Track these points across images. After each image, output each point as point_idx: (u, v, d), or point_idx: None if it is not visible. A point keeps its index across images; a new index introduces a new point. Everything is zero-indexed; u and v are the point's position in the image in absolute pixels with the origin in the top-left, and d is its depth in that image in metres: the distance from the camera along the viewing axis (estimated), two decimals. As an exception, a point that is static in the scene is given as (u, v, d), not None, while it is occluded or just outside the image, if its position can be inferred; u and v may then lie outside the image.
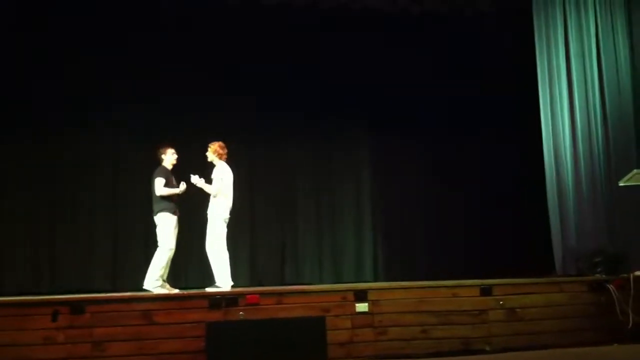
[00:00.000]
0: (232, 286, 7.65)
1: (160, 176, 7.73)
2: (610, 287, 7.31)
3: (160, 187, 7.67)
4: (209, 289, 7.41)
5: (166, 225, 7.63)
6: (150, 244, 9.20)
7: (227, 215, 7.85)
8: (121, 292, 7.94)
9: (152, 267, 7.57)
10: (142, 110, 9.61)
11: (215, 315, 6.52)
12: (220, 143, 7.98)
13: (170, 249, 7.64)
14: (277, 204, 10.26)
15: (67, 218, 9.48)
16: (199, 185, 7.78)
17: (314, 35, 10.14)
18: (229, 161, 8.06)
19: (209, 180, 7.85)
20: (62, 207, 9.48)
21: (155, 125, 9.60)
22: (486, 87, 10.35)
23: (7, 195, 9.28)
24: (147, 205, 9.33)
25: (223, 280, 7.61)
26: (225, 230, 7.79)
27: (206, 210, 7.87)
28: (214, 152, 7.92)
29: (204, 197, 7.94)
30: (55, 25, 9.42)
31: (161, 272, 7.58)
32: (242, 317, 6.55)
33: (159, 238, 7.66)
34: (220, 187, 7.77)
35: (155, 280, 7.50)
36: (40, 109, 9.38)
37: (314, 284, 9.30)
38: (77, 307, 6.32)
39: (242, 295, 6.73)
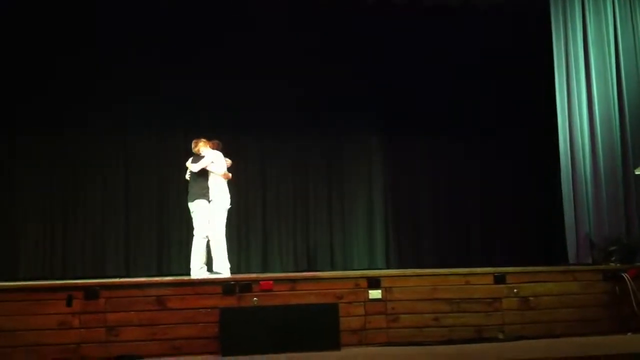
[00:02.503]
0: (242, 272, 7.70)
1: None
2: (625, 276, 7.25)
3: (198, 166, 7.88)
4: (209, 276, 7.49)
5: (202, 212, 7.80)
6: (163, 231, 9.28)
7: (229, 205, 7.91)
8: (134, 278, 7.97)
9: (192, 256, 7.81)
10: (156, 102, 9.65)
11: (229, 301, 6.53)
12: (205, 139, 8.11)
13: (204, 237, 7.79)
14: (289, 194, 10.27)
15: (81, 206, 9.56)
16: (199, 166, 7.89)
17: (326, 30, 10.09)
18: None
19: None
20: (76, 196, 9.55)
21: (167, 118, 9.66)
22: (501, 76, 10.31)
23: (21, 185, 9.36)
24: (159, 192, 9.42)
25: (223, 266, 7.68)
26: (225, 218, 7.86)
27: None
28: (204, 145, 8.06)
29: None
30: (68, 23, 9.45)
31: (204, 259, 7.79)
32: (255, 303, 6.56)
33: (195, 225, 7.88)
34: (207, 166, 7.88)
35: (199, 269, 7.74)
36: (55, 105, 9.43)
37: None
38: (91, 292, 6.34)
39: (255, 281, 6.73)
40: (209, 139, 8.13)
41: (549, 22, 8.84)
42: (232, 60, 9.87)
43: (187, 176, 8.14)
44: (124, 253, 9.52)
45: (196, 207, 7.87)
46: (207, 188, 7.89)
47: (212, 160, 7.94)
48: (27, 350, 6.15)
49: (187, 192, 8.04)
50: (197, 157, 8.01)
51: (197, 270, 7.71)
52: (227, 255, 7.83)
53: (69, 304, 6.28)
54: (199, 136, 8.15)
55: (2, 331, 6.15)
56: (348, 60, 10.19)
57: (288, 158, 10.34)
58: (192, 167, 7.96)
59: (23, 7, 9.22)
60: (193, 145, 8.11)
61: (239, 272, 8.85)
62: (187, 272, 7.80)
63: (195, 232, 7.85)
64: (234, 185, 8.21)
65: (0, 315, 6.19)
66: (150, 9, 9.50)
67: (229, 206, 7.95)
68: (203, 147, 8.07)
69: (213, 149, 8.08)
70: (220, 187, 7.91)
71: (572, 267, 7.81)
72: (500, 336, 6.92)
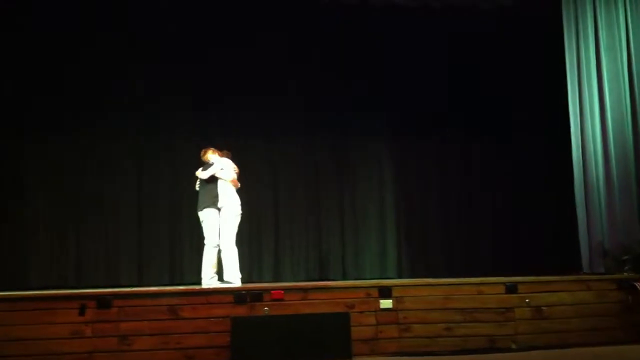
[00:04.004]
0: (253, 281, 7.71)
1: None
2: (638, 285, 7.20)
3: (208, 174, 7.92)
4: (220, 285, 7.50)
5: (212, 221, 7.84)
6: (175, 240, 9.31)
7: (240, 212, 7.93)
8: (147, 287, 8.00)
9: (204, 266, 7.82)
10: (168, 107, 9.70)
11: (241, 310, 6.54)
12: (212, 148, 8.17)
13: (214, 246, 7.80)
14: (300, 201, 10.26)
15: (93, 214, 9.57)
16: (208, 174, 7.92)
17: (335, 31, 10.11)
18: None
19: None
20: (88, 203, 9.56)
21: (179, 123, 9.69)
22: (512, 82, 10.29)
23: (33, 192, 9.40)
24: (172, 201, 9.45)
25: (234, 275, 7.69)
26: (236, 226, 7.88)
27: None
28: (212, 152, 8.11)
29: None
30: (82, 24, 9.50)
31: (215, 268, 7.81)
32: (267, 313, 6.56)
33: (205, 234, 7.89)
34: (216, 173, 7.89)
35: (210, 278, 7.75)
36: (66, 112, 9.48)
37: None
38: (104, 302, 6.37)
39: (267, 290, 6.73)
40: (220, 149, 8.16)
41: (561, 27, 8.82)
42: (241, 62, 9.89)
43: (197, 186, 8.16)
44: (136, 262, 9.53)
45: (206, 216, 7.87)
46: (217, 196, 7.89)
47: (221, 167, 7.96)
48: (40, 359, 6.18)
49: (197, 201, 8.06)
50: (207, 165, 8.04)
51: (208, 280, 7.72)
52: (238, 265, 7.83)
53: (81, 313, 6.31)
54: (207, 145, 8.18)
55: (15, 340, 6.18)
56: (359, 63, 10.20)
57: (299, 167, 10.32)
58: (202, 174, 7.99)
59: (35, 8, 9.29)
60: (202, 154, 8.15)
61: (250, 281, 8.85)
62: (200, 282, 7.82)
63: (205, 242, 7.84)
64: (244, 194, 8.22)
65: (14, 324, 6.22)
66: (163, 11, 9.56)
67: (239, 213, 7.95)
68: (211, 155, 8.09)
69: (222, 157, 8.10)
70: (230, 195, 7.92)
71: (585, 277, 7.75)
72: (513, 346, 6.89)
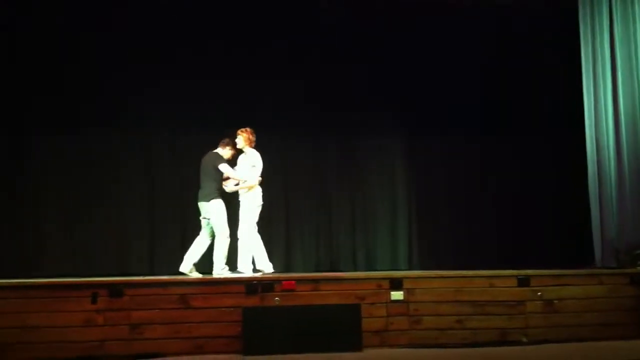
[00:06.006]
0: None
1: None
2: (651, 280, 7.18)
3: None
4: (231, 274, 7.51)
5: (222, 211, 7.75)
6: (186, 229, 9.33)
7: (261, 202, 7.90)
8: (158, 276, 8.03)
9: (215, 257, 7.72)
10: (176, 98, 9.69)
11: (252, 301, 6.56)
12: (250, 129, 8.01)
13: (227, 236, 7.76)
14: (312, 194, 10.25)
15: (104, 204, 9.58)
16: (230, 175, 7.89)
17: (348, 27, 10.06)
18: (261, 150, 8.10)
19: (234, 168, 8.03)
20: (99, 193, 9.57)
21: (188, 114, 9.70)
22: (526, 76, 10.22)
23: (44, 183, 9.43)
24: (183, 190, 9.46)
25: (247, 266, 7.71)
26: (257, 216, 7.85)
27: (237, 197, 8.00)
28: (245, 140, 7.97)
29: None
30: (89, 19, 9.46)
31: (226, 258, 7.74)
32: (278, 303, 6.58)
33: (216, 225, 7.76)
34: (252, 174, 7.82)
35: (223, 267, 7.69)
36: (79, 101, 9.50)
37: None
38: (115, 290, 6.41)
39: (278, 281, 6.75)
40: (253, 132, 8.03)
41: (577, 21, 8.77)
42: (250, 61, 9.85)
43: (229, 188, 8.00)
44: (147, 251, 9.56)
45: (213, 208, 7.70)
46: (221, 187, 7.85)
47: (253, 164, 7.88)
48: (52, 347, 6.24)
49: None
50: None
51: (220, 270, 7.71)
52: (266, 254, 7.83)
53: (93, 301, 6.35)
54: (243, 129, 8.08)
55: (27, 327, 6.25)
56: (369, 60, 10.15)
57: (310, 157, 10.29)
58: (238, 175, 7.86)
59: (42, 4, 9.31)
60: (239, 139, 7.96)
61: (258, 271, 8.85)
62: (211, 271, 7.83)
63: (217, 233, 7.74)
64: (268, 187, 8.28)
65: (26, 311, 6.29)
66: (170, 6, 9.55)
67: (261, 204, 7.89)
68: (247, 146, 7.96)
69: (252, 140, 7.99)
70: (254, 188, 7.86)
71: (597, 271, 7.71)
72: (524, 339, 6.88)
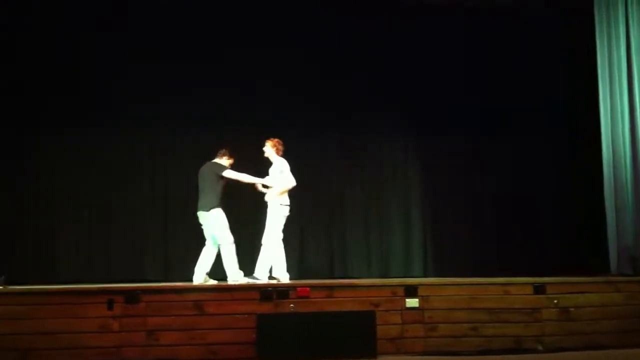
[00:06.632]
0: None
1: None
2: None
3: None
4: (247, 280, 7.53)
5: (223, 220, 7.77)
6: (201, 234, 9.35)
7: (287, 213, 7.93)
8: (173, 282, 8.06)
9: (227, 265, 7.72)
10: (191, 102, 9.75)
11: (266, 307, 6.57)
12: (278, 139, 8.06)
13: (232, 243, 7.77)
14: (325, 199, 10.25)
15: (120, 210, 9.63)
16: (263, 182, 7.91)
17: (361, 31, 10.08)
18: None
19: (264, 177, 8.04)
20: (115, 200, 9.62)
21: (203, 120, 9.74)
22: (542, 82, 10.21)
23: (60, 189, 9.48)
24: (197, 198, 9.49)
25: (262, 274, 7.73)
26: (282, 225, 7.88)
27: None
28: (272, 147, 8.01)
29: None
30: (98, 22, 9.53)
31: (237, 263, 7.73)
32: (292, 310, 6.58)
33: (218, 234, 7.77)
34: (280, 180, 7.85)
35: (238, 272, 7.69)
36: (93, 106, 9.55)
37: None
38: (132, 296, 6.44)
39: (293, 287, 6.76)
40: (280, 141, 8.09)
41: (593, 27, 8.75)
42: (262, 61, 9.88)
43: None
44: (163, 258, 9.60)
45: (213, 217, 7.73)
46: (222, 195, 7.84)
47: (281, 170, 7.89)
48: (69, 353, 6.28)
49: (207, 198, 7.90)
50: (222, 167, 7.89)
51: (235, 277, 7.66)
52: (274, 265, 7.81)
53: (110, 307, 6.38)
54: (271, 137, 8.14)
55: (44, 333, 6.28)
56: (383, 62, 10.19)
57: (324, 163, 10.30)
58: (272, 183, 7.86)
59: (44, 4, 9.40)
60: (267, 148, 8.02)
61: (273, 277, 8.85)
62: (224, 278, 7.85)
63: (220, 242, 7.74)
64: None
65: (43, 317, 6.32)
66: (179, 11, 9.64)
67: (287, 214, 7.91)
68: (274, 154, 8.00)
69: (279, 149, 8.02)
70: (279, 194, 7.85)
71: (613, 278, 7.67)
72: (540, 347, 6.85)
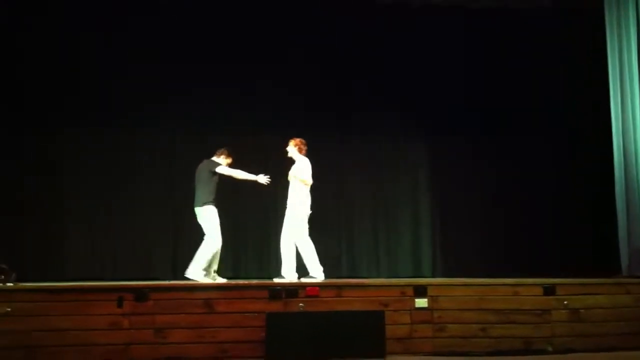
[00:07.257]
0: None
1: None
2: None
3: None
4: (275, 279, 7.59)
5: (214, 217, 7.84)
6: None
7: (309, 211, 7.95)
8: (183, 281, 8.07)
9: (198, 258, 7.77)
10: (200, 102, 9.76)
11: (275, 306, 6.57)
12: (301, 139, 8.11)
13: (218, 242, 7.85)
14: (333, 199, 10.24)
15: (128, 209, 9.67)
16: (296, 176, 7.93)
17: (361, 31, 10.09)
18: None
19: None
20: (123, 199, 9.67)
21: (212, 118, 9.75)
22: (543, 82, 10.17)
23: (68, 187, 9.53)
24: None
25: (315, 270, 7.76)
26: (307, 224, 7.90)
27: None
28: (295, 146, 8.06)
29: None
30: (113, 22, 9.61)
31: (208, 264, 7.78)
32: (301, 309, 6.58)
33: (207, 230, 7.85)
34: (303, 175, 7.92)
35: (202, 270, 7.72)
36: (101, 105, 9.59)
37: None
38: (141, 294, 6.44)
39: (302, 287, 6.76)
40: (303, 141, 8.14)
41: (604, 27, 8.72)
42: (260, 63, 9.92)
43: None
44: (172, 256, 9.62)
45: (205, 213, 7.84)
46: (215, 193, 7.90)
47: (300, 167, 7.95)
48: (78, 350, 6.29)
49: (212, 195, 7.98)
50: (216, 164, 7.96)
51: (194, 273, 7.70)
52: (285, 263, 7.86)
53: (119, 305, 6.39)
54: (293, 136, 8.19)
55: (54, 330, 6.29)
56: (383, 62, 10.20)
57: (331, 162, 10.29)
58: (303, 177, 7.91)
59: (46, 4, 9.46)
60: (290, 148, 8.11)
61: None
62: (234, 276, 7.87)
63: (206, 237, 7.86)
64: (279, 191, 8.27)
65: (53, 314, 6.32)
66: (180, 11, 9.71)
67: (309, 213, 7.95)
68: (297, 153, 8.06)
69: (302, 149, 8.08)
70: (302, 195, 7.92)
71: (624, 280, 7.64)
72: (549, 348, 6.82)
